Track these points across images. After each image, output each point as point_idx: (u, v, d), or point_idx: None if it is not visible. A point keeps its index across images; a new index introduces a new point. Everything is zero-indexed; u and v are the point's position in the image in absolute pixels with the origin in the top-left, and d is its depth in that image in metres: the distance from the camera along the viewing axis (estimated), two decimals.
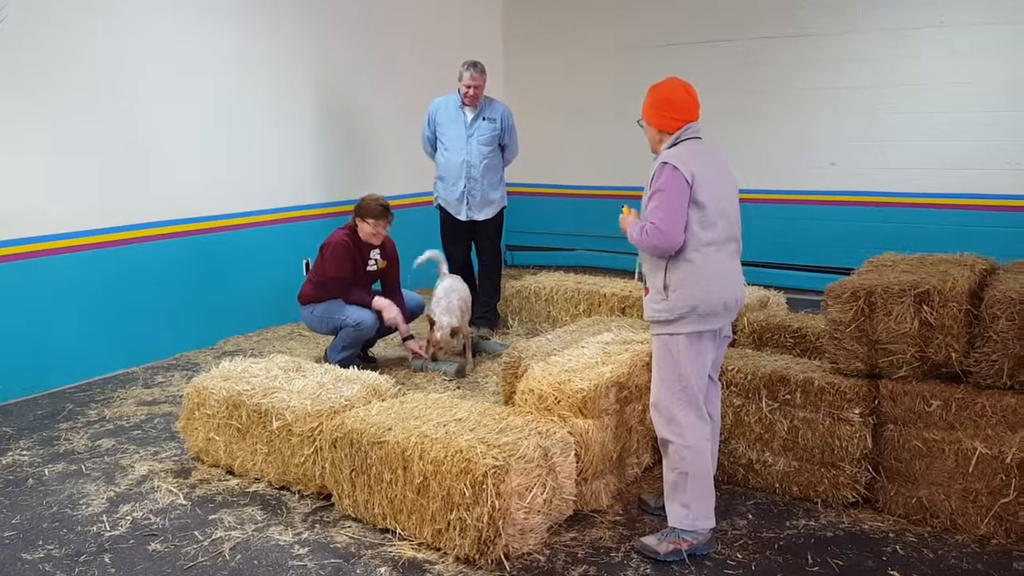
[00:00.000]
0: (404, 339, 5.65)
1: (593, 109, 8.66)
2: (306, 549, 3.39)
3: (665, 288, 3.22)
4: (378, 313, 5.42)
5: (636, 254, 3.47)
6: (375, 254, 5.54)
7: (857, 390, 3.57)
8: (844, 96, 7.41)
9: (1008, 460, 3.29)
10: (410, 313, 5.76)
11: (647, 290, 3.32)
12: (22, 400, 5.18)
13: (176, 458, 4.30)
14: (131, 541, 3.48)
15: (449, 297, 5.57)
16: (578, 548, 3.38)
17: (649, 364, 3.83)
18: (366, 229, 5.40)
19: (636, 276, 5.52)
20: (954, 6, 6.87)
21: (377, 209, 5.39)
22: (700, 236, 3.19)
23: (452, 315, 5.49)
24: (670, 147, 3.26)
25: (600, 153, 8.64)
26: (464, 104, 6.19)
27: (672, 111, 3.27)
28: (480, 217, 6.33)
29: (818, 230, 7.68)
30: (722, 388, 3.84)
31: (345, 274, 5.34)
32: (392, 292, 5.67)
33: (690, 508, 3.28)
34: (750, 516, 3.64)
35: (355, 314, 5.31)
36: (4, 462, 4.28)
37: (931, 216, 7.12)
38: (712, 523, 3.32)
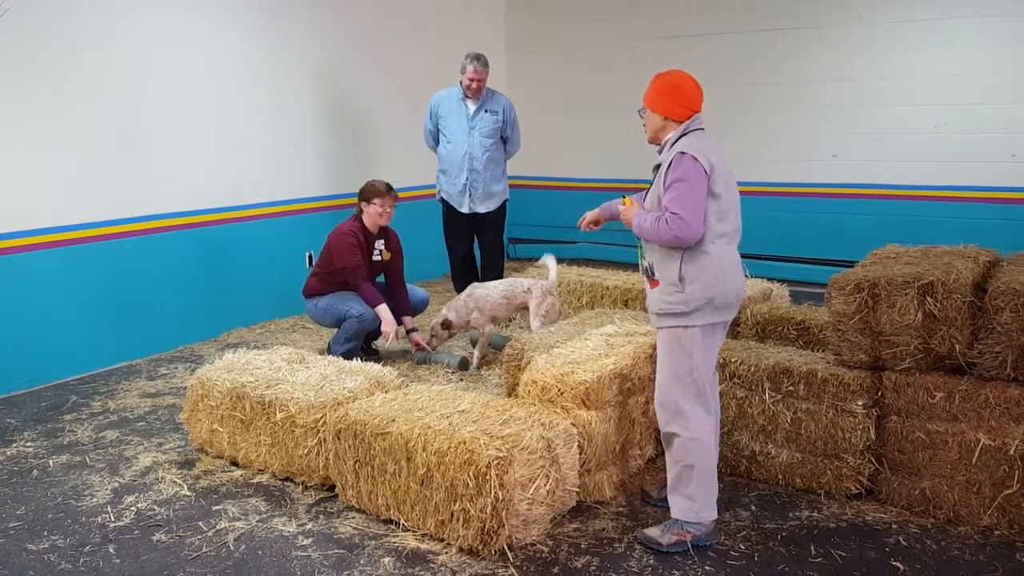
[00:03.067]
0: (408, 331, 5.66)
1: (595, 101, 8.64)
2: (310, 540, 3.40)
3: (681, 280, 3.18)
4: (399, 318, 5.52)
5: (635, 247, 3.44)
6: (379, 245, 5.54)
7: (860, 382, 3.56)
8: (846, 88, 7.39)
9: (1011, 452, 3.28)
10: (414, 307, 5.76)
11: (656, 282, 3.29)
12: (26, 392, 5.20)
13: (180, 449, 4.31)
14: (135, 532, 3.49)
15: (475, 292, 5.54)
16: (581, 539, 3.39)
17: (652, 356, 3.84)
18: (373, 210, 5.41)
19: (641, 269, 5.50)
20: None
21: (381, 187, 5.44)
22: (716, 228, 3.17)
23: (453, 309, 5.51)
24: (679, 137, 3.23)
25: (602, 145, 8.63)
26: (466, 97, 6.18)
27: (682, 99, 3.24)
28: (482, 210, 6.32)
29: (821, 222, 7.67)
30: (725, 380, 3.85)
31: (353, 264, 5.33)
32: (397, 286, 5.67)
33: (694, 500, 3.28)
34: (753, 507, 3.65)
35: (358, 306, 5.32)
36: (9, 453, 4.30)
37: (934, 208, 7.11)
38: (715, 515, 3.32)
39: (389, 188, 5.47)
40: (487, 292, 5.48)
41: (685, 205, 3.09)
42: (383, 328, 5.36)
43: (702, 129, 3.27)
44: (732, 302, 3.24)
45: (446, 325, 5.53)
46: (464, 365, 5.46)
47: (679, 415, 3.27)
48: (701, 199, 3.11)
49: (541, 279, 5.55)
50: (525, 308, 5.49)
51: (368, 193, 5.44)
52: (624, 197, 3.45)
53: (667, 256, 3.22)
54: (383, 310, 5.35)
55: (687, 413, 3.26)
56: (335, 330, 5.49)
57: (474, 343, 5.71)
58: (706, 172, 3.11)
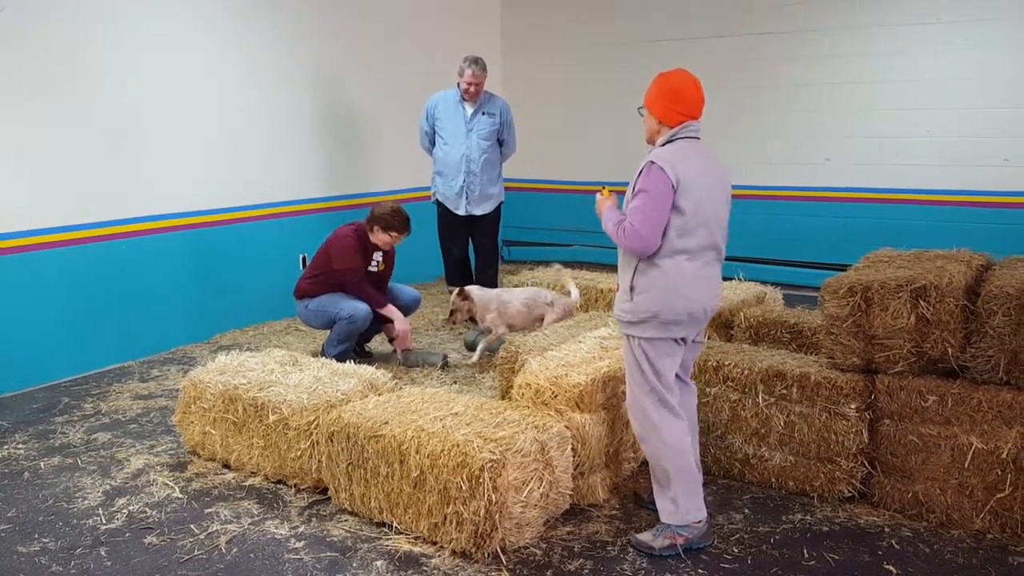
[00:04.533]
0: (391, 339, 5.67)
1: (590, 104, 8.65)
2: (302, 543, 3.39)
3: (631, 289, 3.19)
4: (384, 320, 5.49)
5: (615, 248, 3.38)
6: (378, 256, 5.55)
7: (853, 385, 3.57)
8: (841, 92, 7.41)
9: (1004, 455, 3.29)
10: (406, 308, 5.75)
11: (618, 286, 3.30)
12: (17, 393, 5.17)
13: (172, 452, 4.30)
14: (127, 534, 3.48)
15: (503, 295, 5.59)
16: (575, 542, 3.39)
17: None
18: (384, 239, 5.44)
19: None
20: (952, 2, 6.86)
21: (401, 224, 5.42)
22: (674, 244, 3.12)
23: (480, 292, 5.61)
24: (665, 143, 3.19)
25: (597, 148, 8.64)
26: (464, 99, 6.19)
27: (678, 103, 3.18)
28: (479, 212, 6.33)
29: (815, 226, 7.68)
30: (719, 383, 3.85)
31: (352, 266, 5.34)
32: (382, 292, 5.66)
33: (678, 504, 3.28)
34: (746, 511, 3.65)
35: (348, 307, 5.30)
36: (0, 455, 4.28)
37: (927, 212, 7.13)
38: (702, 514, 3.32)
39: (408, 223, 5.46)
40: (511, 298, 5.56)
41: (643, 218, 3.07)
42: (397, 327, 5.43)
43: (694, 138, 3.21)
44: (681, 320, 3.17)
45: (464, 296, 5.54)
46: (445, 363, 5.49)
47: (646, 420, 3.28)
48: (661, 213, 3.07)
49: (563, 295, 5.57)
50: (540, 320, 5.51)
51: (387, 224, 5.39)
52: (603, 188, 3.42)
53: (626, 263, 3.24)
54: (391, 310, 5.43)
55: (654, 419, 3.26)
56: (328, 332, 5.48)
57: (469, 347, 5.73)
58: (672, 185, 3.06)
